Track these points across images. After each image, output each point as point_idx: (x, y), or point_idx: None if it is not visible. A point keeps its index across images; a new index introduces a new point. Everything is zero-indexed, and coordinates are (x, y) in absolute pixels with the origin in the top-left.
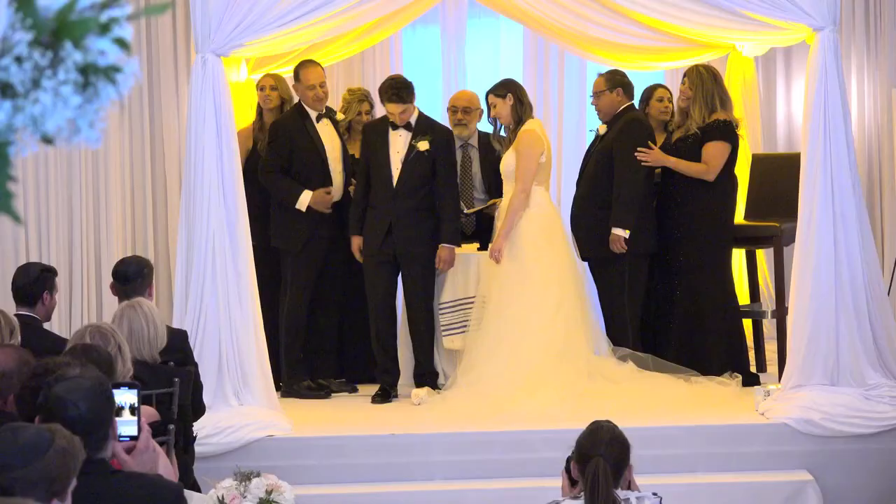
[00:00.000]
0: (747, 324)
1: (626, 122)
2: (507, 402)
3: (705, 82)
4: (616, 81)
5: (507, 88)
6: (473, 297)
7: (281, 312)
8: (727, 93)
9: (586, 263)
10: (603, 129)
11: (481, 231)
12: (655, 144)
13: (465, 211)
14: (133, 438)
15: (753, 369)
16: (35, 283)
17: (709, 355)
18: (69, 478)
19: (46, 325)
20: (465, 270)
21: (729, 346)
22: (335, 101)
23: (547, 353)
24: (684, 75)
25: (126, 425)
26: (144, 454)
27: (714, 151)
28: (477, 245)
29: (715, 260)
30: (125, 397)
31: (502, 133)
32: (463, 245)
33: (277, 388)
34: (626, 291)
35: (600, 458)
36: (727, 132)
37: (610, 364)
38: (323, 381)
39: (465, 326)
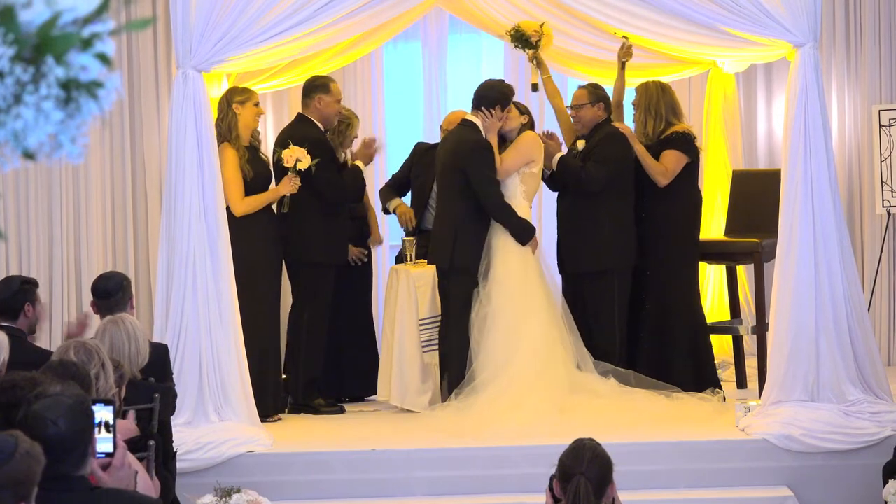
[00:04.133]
0: (727, 340)
1: (608, 135)
2: (492, 418)
3: (650, 93)
4: (599, 96)
5: (527, 111)
6: None
7: (300, 328)
8: (678, 104)
9: (559, 279)
10: (581, 144)
11: None
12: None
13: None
14: (108, 455)
15: (734, 386)
16: (15, 295)
17: (676, 370)
18: (35, 481)
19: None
20: None
21: (696, 361)
22: None
23: (529, 368)
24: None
25: (101, 442)
26: (120, 471)
27: (670, 158)
28: None
29: (682, 275)
30: (101, 414)
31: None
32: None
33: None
34: (614, 305)
35: (582, 476)
36: (685, 144)
37: (592, 379)
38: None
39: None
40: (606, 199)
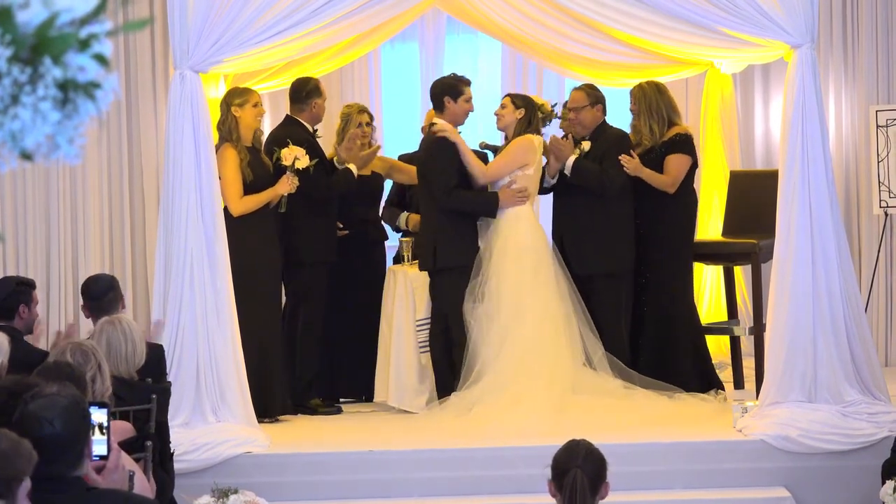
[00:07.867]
0: (725, 340)
1: (618, 138)
2: (490, 418)
3: (648, 95)
4: (597, 97)
5: (525, 105)
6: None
7: (295, 328)
8: (675, 105)
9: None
10: (587, 145)
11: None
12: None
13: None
14: (103, 457)
15: (731, 387)
16: (10, 296)
17: (681, 373)
18: (20, 478)
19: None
20: None
21: (697, 361)
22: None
23: (530, 367)
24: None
25: (95, 444)
26: (114, 473)
27: (677, 163)
28: None
29: (679, 276)
30: (95, 416)
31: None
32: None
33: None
34: (622, 307)
35: (578, 469)
36: (688, 146)
37: (598, 379)
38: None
39: None
40: (615, 200)
